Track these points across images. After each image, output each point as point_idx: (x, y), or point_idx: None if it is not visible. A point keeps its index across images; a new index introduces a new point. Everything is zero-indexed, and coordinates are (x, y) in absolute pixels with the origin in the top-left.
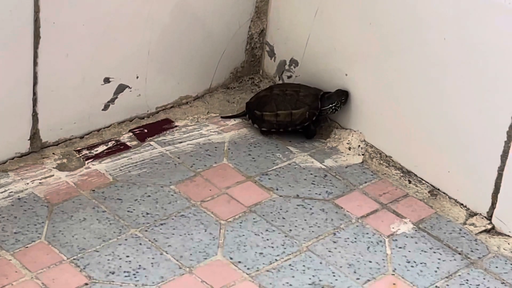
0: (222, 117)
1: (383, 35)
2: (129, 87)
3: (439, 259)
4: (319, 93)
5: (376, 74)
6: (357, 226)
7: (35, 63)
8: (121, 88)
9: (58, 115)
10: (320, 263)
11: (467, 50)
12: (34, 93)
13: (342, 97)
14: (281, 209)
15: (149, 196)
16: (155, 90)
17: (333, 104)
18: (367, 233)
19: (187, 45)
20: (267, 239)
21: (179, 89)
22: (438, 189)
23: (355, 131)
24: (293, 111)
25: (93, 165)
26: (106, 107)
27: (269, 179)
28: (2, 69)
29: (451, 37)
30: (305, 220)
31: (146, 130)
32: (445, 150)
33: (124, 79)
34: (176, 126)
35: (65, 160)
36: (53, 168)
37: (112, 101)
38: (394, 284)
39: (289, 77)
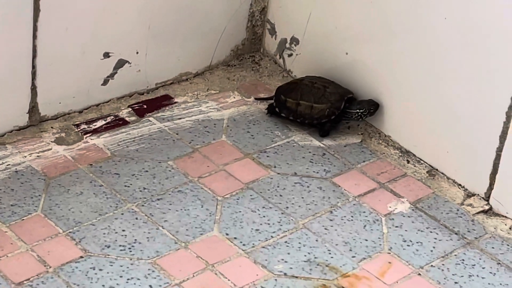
0: (255, 99)
1: (384, 14)
2: (129, 63)
3: (435, 238)
4: (347, 94)
5: (376, 54)
6: (354, 204)
7: (35, 36)
8: (120, 63)
9: (57, 89)
10: (316, 240)
11: (467, 30)
12: (33, 66)
13: (372, 107)
14: (278, 187)
15: (146, 171)
16: (155, 66)
17: (361, 111)
18: (364, 212)
19: (188, 22)
20: (264, 216)
21: (179, 66)
22: (437, 169)
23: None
24: (315, 104)
25: (91, 139)
26: (105, 82)
27: (267, 156)
28: (1, 41)
29: (451, 17)
30: (302, 197)
31: (145, 106)
32: (444, 131)
33: (124, 54)
34: (175, 102)
35: (63, 134)
36: (51, 142)
37: (111, 76)
38: (389, 262)
39: (289, 55)
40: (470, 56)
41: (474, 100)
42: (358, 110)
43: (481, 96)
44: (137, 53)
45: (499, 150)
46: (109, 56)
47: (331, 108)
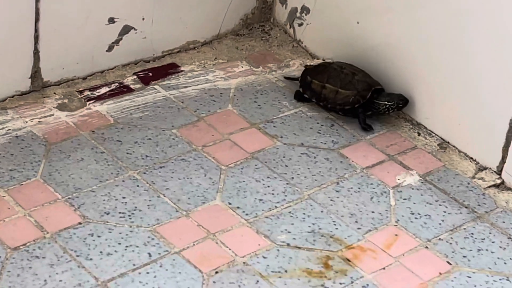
0: (285, 78)
1: None
2: (135, 29)
3: (444, 212)
4: (375, 85)
5: (388, 24)
6: (361, 176)
7: None
8: (126, 30)
9: (61, 54)
10: (321, 211)
11: None
12: (36, 30)
13: (401, 101)
14: (284, 157)
15: (149, 139)
16: (161, 34)
17: (390, 103)
18: (372, 184)
19: None
20: (268, 186)
21: (186, 34)
22: (448, 142)
23: None
24: (340, 89)
25: (94, 106)
26: (110, 48)
27: (274, 126)
28: (4, 4)
29: None
30: (308, 168)
31: (151, 74)
32: (456, 102)
33: (129, 20)
34: (182, 70)
35: (66, 100)
36: (54, 107)
37: (116, 42)
38: (396, 235)
39: (300, 24)
40: (485, 26)
41: (488, 71)
42: (386, 103)
43: (494, 67)
44: (143, 19)
45: None
46: (114, 22)
47: (357, 96)
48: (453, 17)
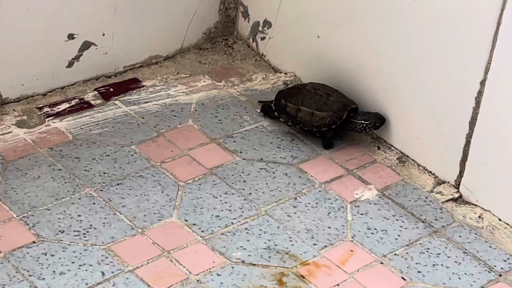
0: (259, 102)
1: None
2: (95, 45)
3: (401, 226)
4: (350, 104)
5: (347, 37)
6: (319, 191)
7: None
8: (86, 45)
9: (20, 71)
10: (278, 227)
11: (437, 14)
12: None
13: (378, 120)
14: (242, 172)
15: (108, 155)
16: (122, 49)
17: (367, 122)
18: (329, 199)
19: (157, 3)
20: (225, 202)
21: (148, 49)
22: (407, 156)
23: None
24: (316, 111)
25: (53, 122)
26: (70, 64)
27: (234, 141)
28: None
29: (420, 0)
30: (267, 184)
31: (112, 89)
32: (414, 116)
33: (89, 36)
34: (143, 86)
35: (25, 117)
36: (12, 124)
37: (76, 58)
38: (351, 250)
39: (262, 38)
40: (440, 40)
41: (444, 86)
42: (363, 122)
43: (450, 82)
44: (104, 35)
45: (469, 137)
46: (73, 38)
47: (333, 117)
48: (408, 32)
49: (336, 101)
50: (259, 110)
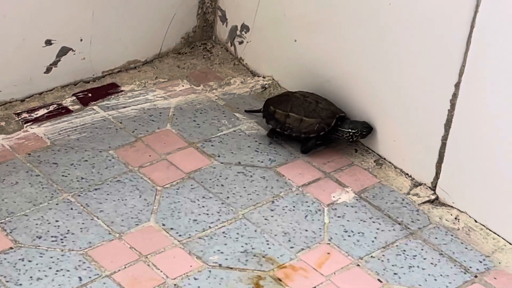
0: (246, 111)
1: (330, 2)
2: (73, 50)
3: (377, 229)
4: (338, 112)
5: (323, 41)
6: (297, 194)
7: None
8: (64, 51)
9: None
10: (255, 231)
11: (411, 17)
12: None
13: (365, 129)
14: (220, 176)
15: (86, 160)
16: (100, 54)
17: (354, 131)
18: (307, 202)
19: (135, 8)
20: (203, 206)
21: (126, 54)
22: (384, 159)
23: None
24: (304, 118)
25: (31, 128)
26: (48, 70)
27: (212, 145)
28: None
29: (396, 3)
30: (244, 187)
31: (90, 94)
32: (390, 119)
33: (67, 42)
34: (122, 90)
35: (3, 123)
36: None
37: (54, 64)
38: (328, 253)
39: (240, 42)
40: (414, 43)
41: (419, 89)
42: (350, 130)
43: (425, 85)
44: (81, 40)
45: (444, 139)
46: (51, 44)
47: (321, 124)
48: (384, 35)
49: (324, 108)
50: (266, 134)
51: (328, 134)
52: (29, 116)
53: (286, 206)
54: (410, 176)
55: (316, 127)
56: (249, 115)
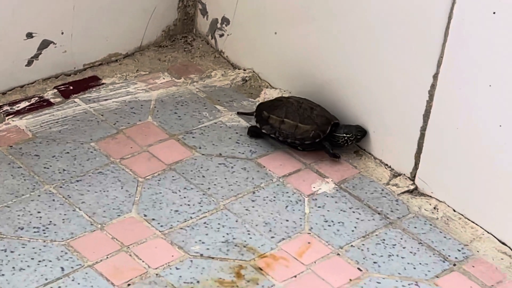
0: (238, 113)
1: None
2: (54, 43)
3: (357, 218)
4: (333, 119)
5: (303, 34)
6: (277, 185)
7: None
8: (45, 44)
9: None
10: (236, 221)
11: (389, 8)
12: None
13: (359, 133)
14: (201, 168)
15: (67, 152)
16: (81, 47)
17: (348, 135)
18: (287, 192)
19: (116, 1)
20: (184, 197)
21: (107, 47)
22: (364, 150)
23: (284, 91)
24: (300, 124)
25: (13, 121)
26: (29, 63)
27: (193, 137)
28: None
29: None
30: (225, 178)
31: (71, 87)
32: (369, 109)
33: (48, 35)
34: (103, 83)
35: None
36: None
37: (36, 57)
38: (309, 243)
39: (221, 35)
40: (391, 36)
41: (397, 80)
42: (345, 135)
43: (404, 76)
44: (62, 33)
45: (423, 130)
46: (32, 37)
47: (317, 131)
48: (362, 26)
49: (320, 115)
50: (246, 132)
51: (323, 141)
52: (10, 109)
53: (267, 197)
54: (390, 167)
55: (311, 133)
56: (230, 107)
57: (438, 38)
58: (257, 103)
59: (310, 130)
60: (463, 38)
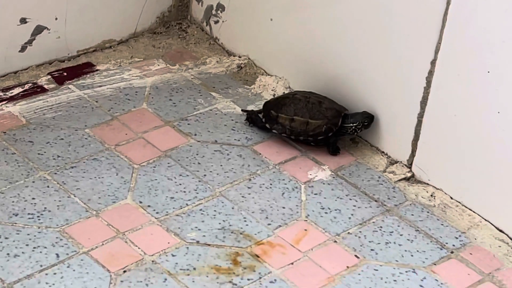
0: (242, 110)
1: None
2: (48, 29)
3: (354, 206)
4: (343, 110)
5: (299, 20)
6: (274, 172)
7: None
8: (39, 30)
9: None
10: (232, 208)
11: None
12: None
13: (366, 119)
14: (197, 154)
15: (62, 139)
16: (76, 33)
17: (355, 124)
18: (283, 180)
19: None
20: (180, 184)
21: (102, 33)
22: (360, 137)
23: (280, 78)
24: (310, 120)
25: (6, 107)
26: (23, 48)
27: (188, 124)
28: None
29: None
30: (221, 165)
31: (65, 74)
32: (365, 97)
33: (42, 20)
34: (97, 70)
35: None
36: None
37: (29, 42)
38: (305, 230)
39: (216, 22)
40: (389, 22)
41: (395, 66)
42: (352, 124)
43: (401, 62)
44: (56, 19)
45: (420, 116)
46: (26, 22)
47: (328, 124)
48: (358, 13)
49: (329, 108)
50: (244, 120)
51: (337, 133)
52: (4, 95)
53: (263, 184)
54: (386, 154)
55: (323, 128)
56: (225, 94)
57: (436, 23)
58: (264, 102)
59: (322, 125)
60: (461, 24)
